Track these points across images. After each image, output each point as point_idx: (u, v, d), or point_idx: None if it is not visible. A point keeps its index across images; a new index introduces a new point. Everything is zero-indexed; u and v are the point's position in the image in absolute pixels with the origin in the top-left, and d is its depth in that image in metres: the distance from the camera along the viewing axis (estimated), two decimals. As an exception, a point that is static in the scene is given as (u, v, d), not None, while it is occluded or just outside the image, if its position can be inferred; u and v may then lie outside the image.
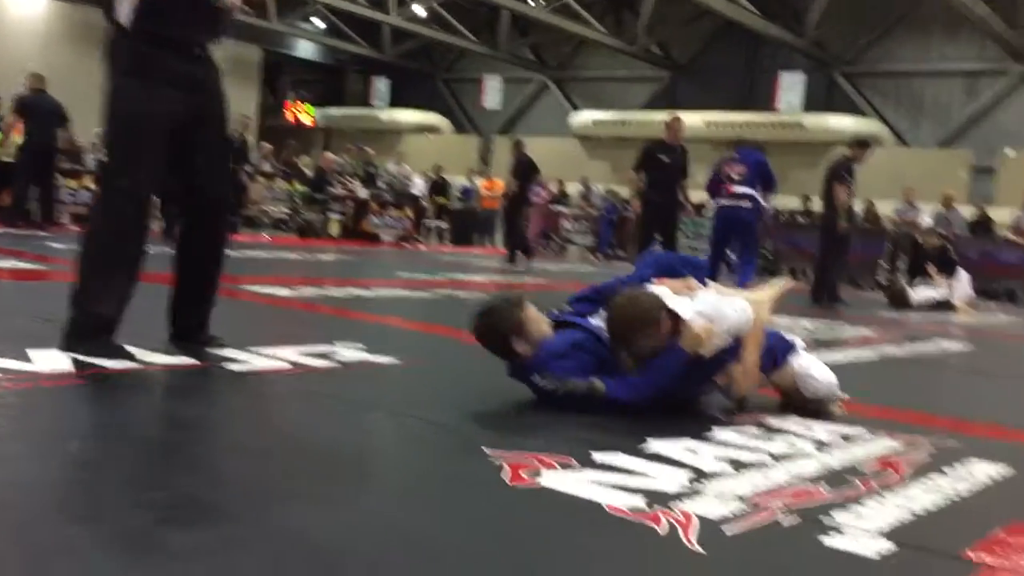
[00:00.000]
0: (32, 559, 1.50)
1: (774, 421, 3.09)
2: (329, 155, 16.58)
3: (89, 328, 3.15)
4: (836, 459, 2.65)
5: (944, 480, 2.51)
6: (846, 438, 2.94)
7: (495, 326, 3.09)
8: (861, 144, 10.26)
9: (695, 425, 2.86)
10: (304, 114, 25.71)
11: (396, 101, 28.92)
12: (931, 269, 10.83)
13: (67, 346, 3.10)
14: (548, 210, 18.57)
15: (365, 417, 2.84)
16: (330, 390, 3.10)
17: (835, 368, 3.43)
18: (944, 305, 10.23)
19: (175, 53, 3.29)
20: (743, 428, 2.93)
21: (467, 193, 19.49)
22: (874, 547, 1.91)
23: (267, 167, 16.79)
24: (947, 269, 10.87)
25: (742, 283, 7.63)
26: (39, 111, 10.21)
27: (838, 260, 10.27)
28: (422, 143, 26.12)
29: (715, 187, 8.98)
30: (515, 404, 3.06)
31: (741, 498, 2.16)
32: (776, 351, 3.25)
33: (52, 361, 2.95)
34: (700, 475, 2.33)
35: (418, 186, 17.98)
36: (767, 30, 20.31)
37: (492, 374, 3.15)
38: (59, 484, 1.92)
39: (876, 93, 21.98)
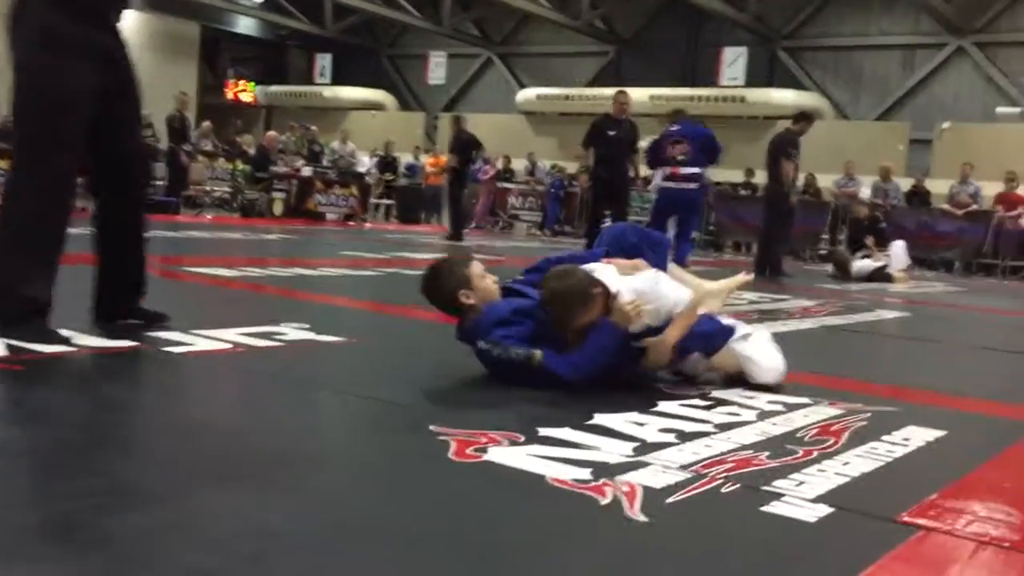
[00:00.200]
0: (-36, 549, 1.46)
1: (718, 392, 3.13)
2: (272, 133, 16.35)
3: (22, 313, 3.07)
4: (778, 428, 2.69)
5: (882, 446, 2.57)
6: (788, 407, 2.99)
7: (443, 280, 3.12)
8: (806, 118, 10.41)
9: (641, 398, 2.89)
10: (245, 92, 25.31)
11: (339, 78, 28.53)
12: (868, 240, 11.06)
13: (0, 332, 3.02)
14: (494, 186, 18.55)
15: (310, 396, 2.82)
16: (274, 369, 3.07)
17: (777, 338, 3.48)
18: (882, 275, 10.44)
19: (91, 23, 3.17)
20: (688, 400, 2.97)
21: (412, 170, 19.38)
22: (812, 512, 1.95)
23: (208, 146, 16.51)
24: (880, 239, 11.11)
25: (679, 260, 7.70)
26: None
27: (782, 233, 10.43)
28: (367, 120, 25.85)
29: (655, 159, 8.99)
30: (463, 382, 3.06)
31: (684, 468, 2.19)
32: (713, 337, 3.20)
33: (-16, 347, 2.87)
34: (644, 446, 2.36)
35: (364, 164, 17.82)
36: (710, 4, 20.41)
37: (440, 352, 3.15)
38: (-8, 472, 1.88)
39: (816, 67, 22.26)
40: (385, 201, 18.19)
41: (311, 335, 3.69)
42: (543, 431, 2.41)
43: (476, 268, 3.16)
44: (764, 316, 5.66)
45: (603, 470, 2.12)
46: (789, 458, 2.36)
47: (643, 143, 10.04)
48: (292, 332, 3.69)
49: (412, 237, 12.84)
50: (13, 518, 1.60)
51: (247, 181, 15.15)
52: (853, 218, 12.27)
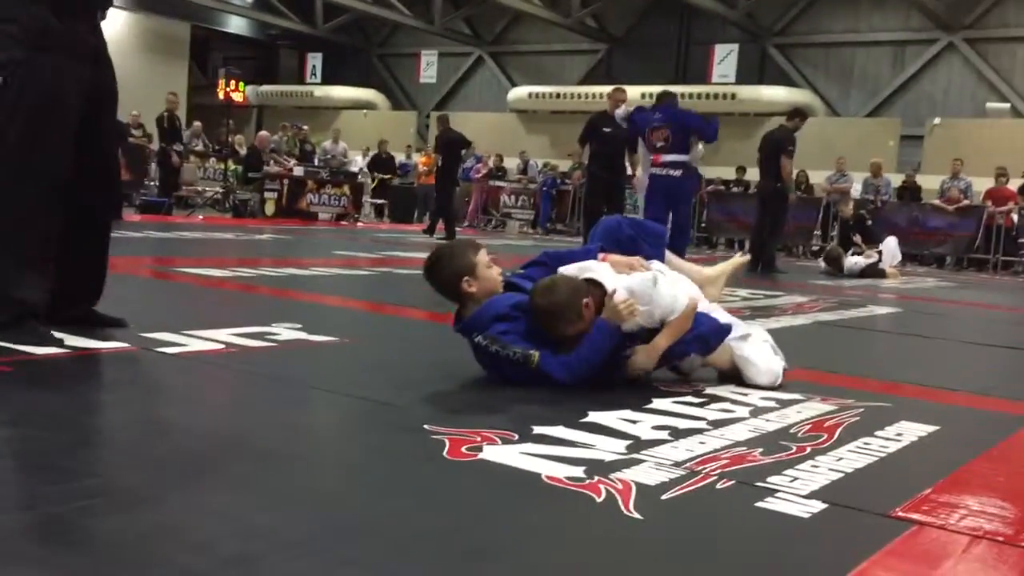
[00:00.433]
0: (-45, 552, 1.45)
1: (712, 389, 3.13)
2: (264, 133, 16.32)
3: (13, 315, 3.05)
4: (771, 424, 2.70)
5: (875, 441, 2.57)
6: (781, 403, 2.99)
7: (447, 264, 3.07)
8: (800, 114, 10.47)
9: (635, 396, 2.89)
10: (236, 92, 25.18)
11: (331, 77, 28.50)
12: (856, 238, 11.10)
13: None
14: (487, 185, 18.54)
15: (303, 396, 2.81)
16: (267, 370, 3.06)
17: (771, 334, 3.47)
18: (874, 271, 10.47)
19: (77, 20, 3.12)
20: (682, 397, 2.97)
21: (405, 169, 19.35)
22: (806, 508, 1.95)
23: (199, 146, 16.47)
24: (868, 236, 11.13)
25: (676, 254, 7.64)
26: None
27: (775, 230, 10.45)
28: (358, 120, 25.83)
29: (634, 136, 8.79)
30: (457, 381, 3.06)
31: (678, 465, 2.19)
32: (710, 338, 3.13)
33: (-25, 349, 2.86)
34: (638, 444, 2.36)
35: (357, 163, 17.79)
36: (700, 2, 20.44)
37: (434, 351, 3.14)
38: (-17, 475, 1.87)
39: (807, 64, 22.30)
40: (379, 201, 18.15)
41: (304, 335, 3.68)
42: (537, 429, 2.41)
43: (483, 256, 3.09)
44: (757, 312, 5.67)
45: (597, 468, 2.11)
46: (783, 454, 2.36)
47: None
48: (285, 332, 3.68)
49: (405, 236, 12.83)
50: (1, 520, 1.59)
51: (239, 181, 15.12)
52: (843, 217, 12.32)
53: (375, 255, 8.77)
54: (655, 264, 3.29)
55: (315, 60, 29.05)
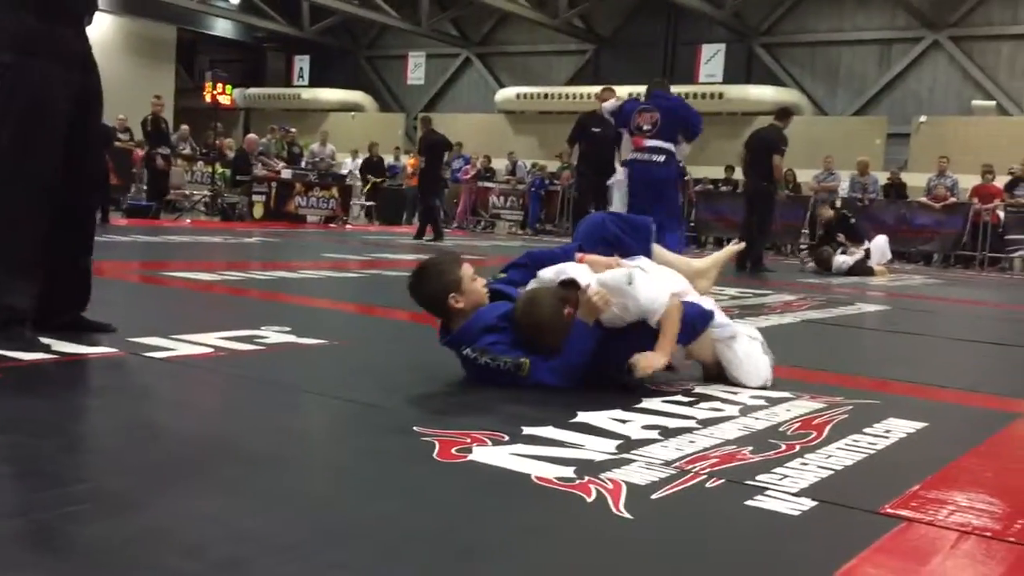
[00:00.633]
0: (-58, 560, 1.45)
1: (701, 388, 3.13)
2: (252, 136, 16.28)
3: (1, 321, 3.03)
4: (760, 422, 2.70)
5: (864, 439, 2.58)
6: (770, 401, 3.00)
7: (433, 282, 3.04)
8: (788, 113, 10.53)
9: (624, 396, 2.89)
10: (223, 95, 25.19)
11: (318, 80, 28.46)
12: (840, 237, 11.13)
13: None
14: (475, 186, 18.53)
15: (292, 399, 2.80)
16: (255, 373, 3.05)
17: (759, 333, 3.48)
18: (862, 268, 10.51)
19: (63, 25, 3.11)
20: (671, 396, 2.97)
21: (393, 171, 19.33)
22: (796, 505, 1.95)
23: (186, 149, 16.42)
24: (851, 235, 11.17)
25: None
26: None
27: (764, 229, 10.49)
28: (346, 122, 25.79)
29: (620, 122, 8.20)
30: (447, 383, 3.05)
31: (668, 464, 2.20)
32: (695, 324, 3.12)
33: (-39, 355, 2.84)
34: (628, 443, 2.36)
35: (346, 165, 17.74)
36: (687, 2, 20.49)
37: (423, 353, 3.13)
38: (-29, 481, 1.86)
39: (793, 63, 22.38)
40: (369, 203, 18.12)
41: (293, 338, 3.68)
42: (527, 430, 2.41)
43: (467, 270, 3.06)
44: (746, 311, 5.68)
45: (587, 468, 2.12)
46: (772, 452, 2.36)
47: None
48: (273, 335, 3.67)
49: (393, 238, 12.81)
50: (-8, 528, 1.59)
51: (227, 184, 15.07)
52: (822, 221, 12.25)
53: (364, 257, 8.75)
54: (639, 261, 3.27)
55: (302, 62, 29.00)
